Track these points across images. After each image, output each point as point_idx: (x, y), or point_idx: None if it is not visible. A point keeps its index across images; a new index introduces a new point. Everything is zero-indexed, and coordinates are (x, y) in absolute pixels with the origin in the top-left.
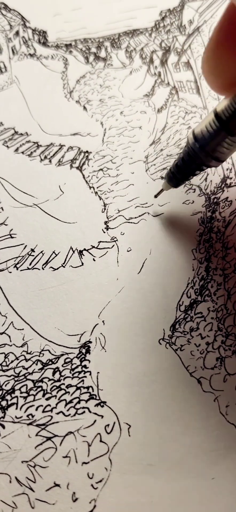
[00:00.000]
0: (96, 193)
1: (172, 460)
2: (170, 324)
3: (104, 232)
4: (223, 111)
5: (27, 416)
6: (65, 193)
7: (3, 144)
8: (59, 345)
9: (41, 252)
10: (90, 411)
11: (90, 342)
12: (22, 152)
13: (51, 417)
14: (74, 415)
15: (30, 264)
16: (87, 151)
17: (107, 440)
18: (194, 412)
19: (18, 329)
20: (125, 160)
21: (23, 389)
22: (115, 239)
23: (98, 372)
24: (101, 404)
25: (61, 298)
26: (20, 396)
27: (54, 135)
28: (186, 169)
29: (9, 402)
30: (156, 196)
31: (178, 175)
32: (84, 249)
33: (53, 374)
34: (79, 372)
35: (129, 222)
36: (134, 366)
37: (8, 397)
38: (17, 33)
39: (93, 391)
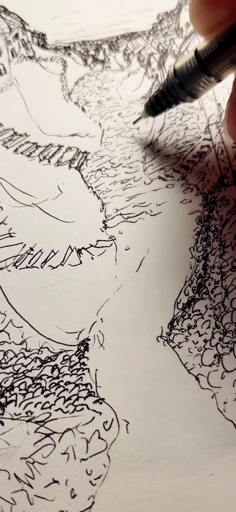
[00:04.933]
0: (94, 192)
1: (170, 456)
2: (167, 322)
3: (102, 231)
4: (203, 51)
5: (26, 413)
6: (64, 193)
7: (3, 144)
8: (58, 343)
9: (40, 250)
10: (88, 408)
11: (89, 339)
12: (22, 153)
13: (50, 414)
14: (73, 412)
15: (29, 262)
16: (85, 152)
17: (105, 436)
18: (192, 408)
19: (17, 327)
20: (122, 160)
21: (22, 386)
22: (113, 238)
23: (96, 369)
24: (100, 401)
25: (60, 296)
26: (19, 393)
27: (53, 135)
28: (163, 101)
29: (8, 399)
30: (134, 123)
31: (155, 105)
32: (83, 248)
33: (52, 371)
34: (78, 369)
35: (126, 221)
36: (132, 363)
37: (7, 394)
38: (16, 35)
39: (91, 388)
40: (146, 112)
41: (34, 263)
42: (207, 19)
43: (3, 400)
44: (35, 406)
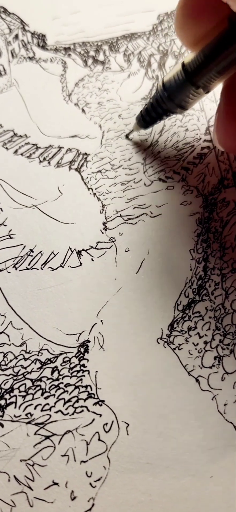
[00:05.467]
0: (94, 194)
1: (170, 458)
2: (168, 323)
3: (102, 233)
4: (190, 64)
5: (26, 415)
6: (64, 194)
7: (3, 146)
8: (58, 345)
9: (40, 252)
10: (88, 410)
11: (89, 341)
12: (21, 154)
13: (50, 416)
14: (73, 414)
15: (29, 264)
16: (85, 153)
17: (105, 438)
18: (192, 410)
19: (17, 329)
20: (123, 162)
21: (22, 388)
22: (113, 240)
23: (96, 371)
24: (100, 403)
25: (60, 297)
26: (19, 395)
27: (53, 137)
28: (154, 114)
29: (8, 401)
30: (127, 136)
31: (146, 118)
32: (83, 250)
33: (52, 373)
34: (78, 371)
35: (127, 223)
36: (132, 365)
37: (7, 396)
38: (16, 36)
39: (91, 390)
40: (138, 125)
41: (34, 264)
42: (192, 32)
43: (3, 402)
44: (35, 408)
